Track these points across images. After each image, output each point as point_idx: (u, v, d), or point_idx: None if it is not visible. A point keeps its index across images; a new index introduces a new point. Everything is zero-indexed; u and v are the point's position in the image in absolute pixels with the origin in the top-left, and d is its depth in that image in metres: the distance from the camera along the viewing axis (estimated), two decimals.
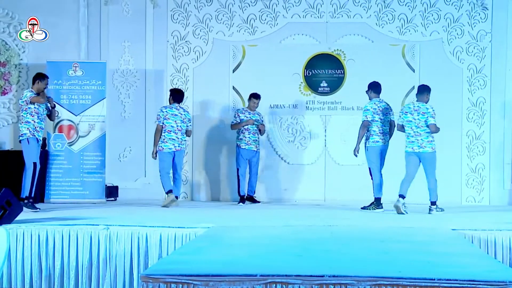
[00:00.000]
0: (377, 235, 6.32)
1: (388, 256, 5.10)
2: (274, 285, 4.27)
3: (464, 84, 10.18)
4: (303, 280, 4.27)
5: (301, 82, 10.48)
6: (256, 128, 9.78)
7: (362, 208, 8.75)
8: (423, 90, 8.65)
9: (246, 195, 9.82)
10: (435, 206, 8.41)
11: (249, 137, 9.73)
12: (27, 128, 8.45)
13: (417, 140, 8.42)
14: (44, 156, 9.81)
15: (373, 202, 8.68)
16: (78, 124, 9.86)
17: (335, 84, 10.44)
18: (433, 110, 8.49)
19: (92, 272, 6.49)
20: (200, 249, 5.40)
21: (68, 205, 9.19)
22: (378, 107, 8.76)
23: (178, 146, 9.38)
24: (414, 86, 10.14)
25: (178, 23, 10.58)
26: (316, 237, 6.12)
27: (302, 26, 10.46)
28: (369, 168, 8.81)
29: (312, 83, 10.47)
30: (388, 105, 8.91)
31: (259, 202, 9.88)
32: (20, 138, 8.54)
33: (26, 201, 8.27)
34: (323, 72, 10.45)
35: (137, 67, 10.57)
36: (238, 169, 9.75)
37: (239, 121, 9.73)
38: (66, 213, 7.97)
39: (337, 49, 10.44)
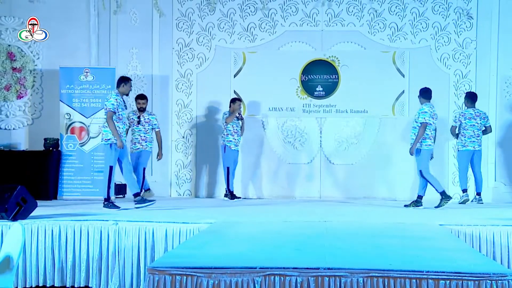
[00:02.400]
0: (370, 230, 6.32)
1: (380, 250, 5.10)
2: (273, 277, 4.27)
3: (450, 89, 10.18)
4: (300, 272, 4.27)
5: (298, 87, 10.47)
6: (239, 129, 9.81)
7: (405, 206, 8.64)
8: (475, 97, 9.48)
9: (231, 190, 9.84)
10: (479, 197, 9.39)
11: (237, 139, 9.80)
12: (112, 134, 8.01)
13: (477, 140, 9.41)
14: (57, 156, 9.82)
15: (417, 200, 8.58)
16: (89, 126, 9.86)
17: (330, 88, 10.43)
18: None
19: (102, 264, 6.49)
20: (203, 244, 5.39)
21: (79, 201, 9.18)
22: (433, 110, 8.54)
23: None
24: (404, 91, 10.15)
25: (183, 31, 10.57)
26: (312, 232, 6.11)
27: (299, 34, 10.46)
28: (420, 171, 8.51)
29: (308, 88, 10.45)
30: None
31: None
32: (105, 142, 8.07)
33: (105, 202, 8.00)
34: (319, 77, 10.43)
35: (144, 72, 10.56)
36: (228, 168, 9.75)
37: (228, 114, 9.79)
38: (78, 209, 7.97)
39: (332, 56, 10.43)
